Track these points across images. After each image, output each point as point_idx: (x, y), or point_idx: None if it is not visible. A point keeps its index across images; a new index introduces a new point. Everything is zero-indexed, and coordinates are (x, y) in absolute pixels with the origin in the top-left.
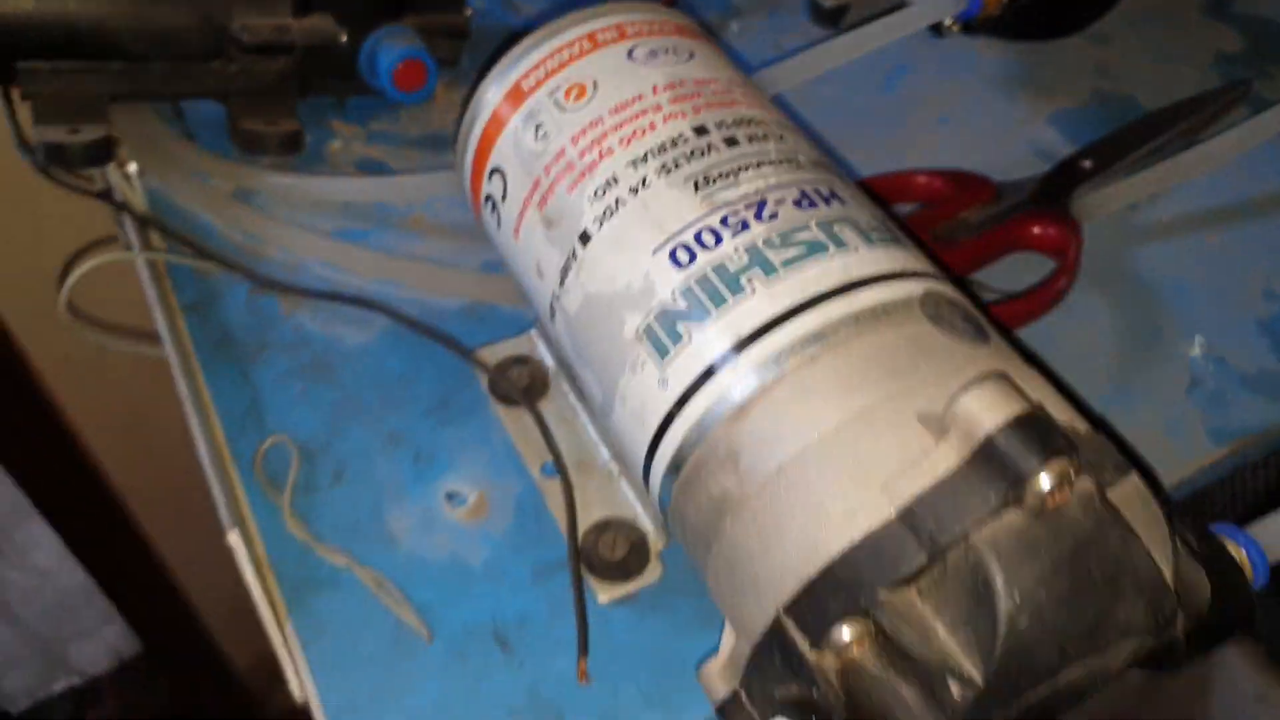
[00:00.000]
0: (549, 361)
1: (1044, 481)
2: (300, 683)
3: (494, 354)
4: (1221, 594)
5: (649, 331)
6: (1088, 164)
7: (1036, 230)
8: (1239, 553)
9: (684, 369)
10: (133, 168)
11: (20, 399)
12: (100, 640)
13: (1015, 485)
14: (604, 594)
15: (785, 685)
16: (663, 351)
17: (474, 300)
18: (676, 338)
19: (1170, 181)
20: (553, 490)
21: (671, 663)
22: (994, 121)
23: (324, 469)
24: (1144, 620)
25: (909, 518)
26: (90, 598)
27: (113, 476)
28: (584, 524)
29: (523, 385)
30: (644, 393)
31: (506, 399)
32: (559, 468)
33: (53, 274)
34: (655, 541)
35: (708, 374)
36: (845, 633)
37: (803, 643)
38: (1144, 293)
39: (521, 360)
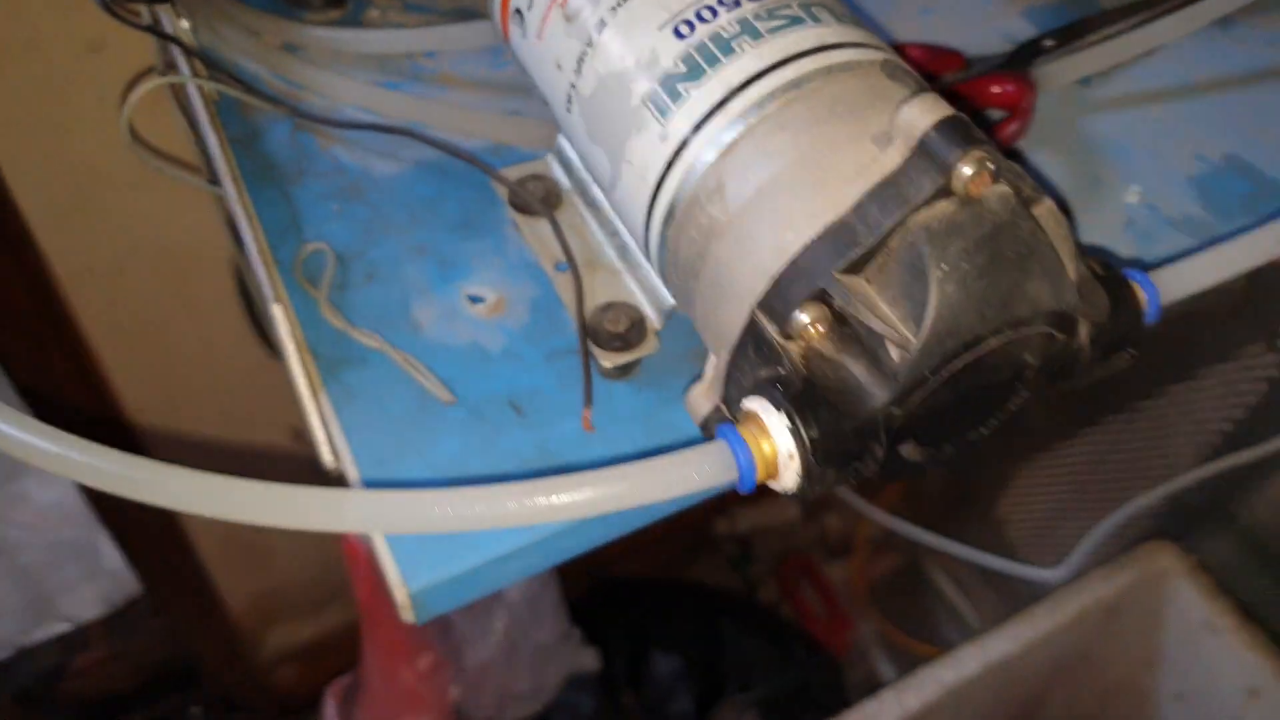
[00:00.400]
0: (563, 181)
1: (965, 169)
2: (332, 446)
3: (514, 172)
4: (1119, 313)
5: (653, 95)
6: (1049, 43)
7: (995, 89)
8: (1138, 290)
9: (682, 122)
10: (185, 24)
11: (40, 318)
12: (93, 586)
13: (943, 173)
14: (607, 360)
15: (758, 371)
16: (664, 111)
17: (495, 142)
18: (676, 96)
19: (1121, 56)
20: (564, 283)
21: (663, 426)
22: (971, 14)
23: (357, 272)
24: (1050, 300)
25: (859, 211)
26: (87, 541)
27: (123, 401)
28: (590, 307)
29: (539, 198)
30: (646, 150)
31: (525, 209)
32: (570, 263)
33: (77, 181)
34: (653, 322)
35: (702, 123)
36: (805, 315)
37: (771, 329)
38: (1091, 152)
39: (538, 178)
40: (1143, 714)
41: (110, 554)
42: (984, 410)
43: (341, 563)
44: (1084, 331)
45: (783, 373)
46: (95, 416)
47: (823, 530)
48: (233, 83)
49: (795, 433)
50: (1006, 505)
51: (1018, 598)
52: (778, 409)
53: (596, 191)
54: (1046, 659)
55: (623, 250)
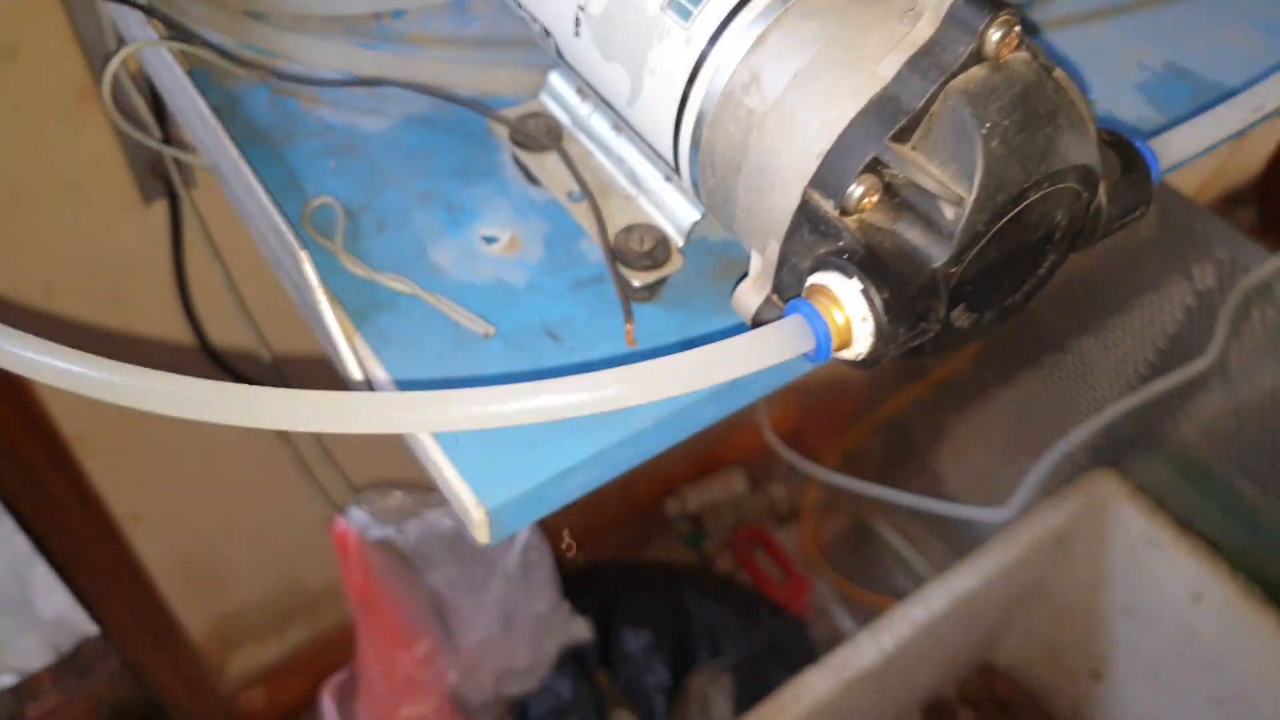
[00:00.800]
0: (561, 117)
1: (994, 33)
2: (373, 390)
3: (510, 114)
4: (1130, 173)
5: (671, 2)
6: None
7: None
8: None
9: (706, 23)
10: None
11: None
12: (34, 636)
13: (974, 38)
14: (637, 279)
15: (815, 250)
16: (685, 14)
17: (479, 92)
18: (696, 1)
19: None
20: (580, 212)
21: (695, 343)
22: None
23: (366, 222)
24: (1079, 154)
25: (900, 81)
26: (19, 594)
27: (65, 434)
28: (612, 231)
29: (543, 133)
30: (671, 56)
31: (529, 145)
32: (585, 189)
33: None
34: (675, 240)
35: (727, 21)
36: (859, 188)
37: (827, 206)
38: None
39: (536, 115)
40: (1095, 631)
41: (49, 600)
42: (1020, 274)
43: (300, 580)
44: (1103, 192)
45: (843, 246)
46: (35, 458)
47: (770, 500)
48: (205, 48)
49: (867, 295)
50: (946, 460)
51: (965, 544)
52: (848, 276)
53: (596, 123)
54: (1005, 590)
55: (632, 176)
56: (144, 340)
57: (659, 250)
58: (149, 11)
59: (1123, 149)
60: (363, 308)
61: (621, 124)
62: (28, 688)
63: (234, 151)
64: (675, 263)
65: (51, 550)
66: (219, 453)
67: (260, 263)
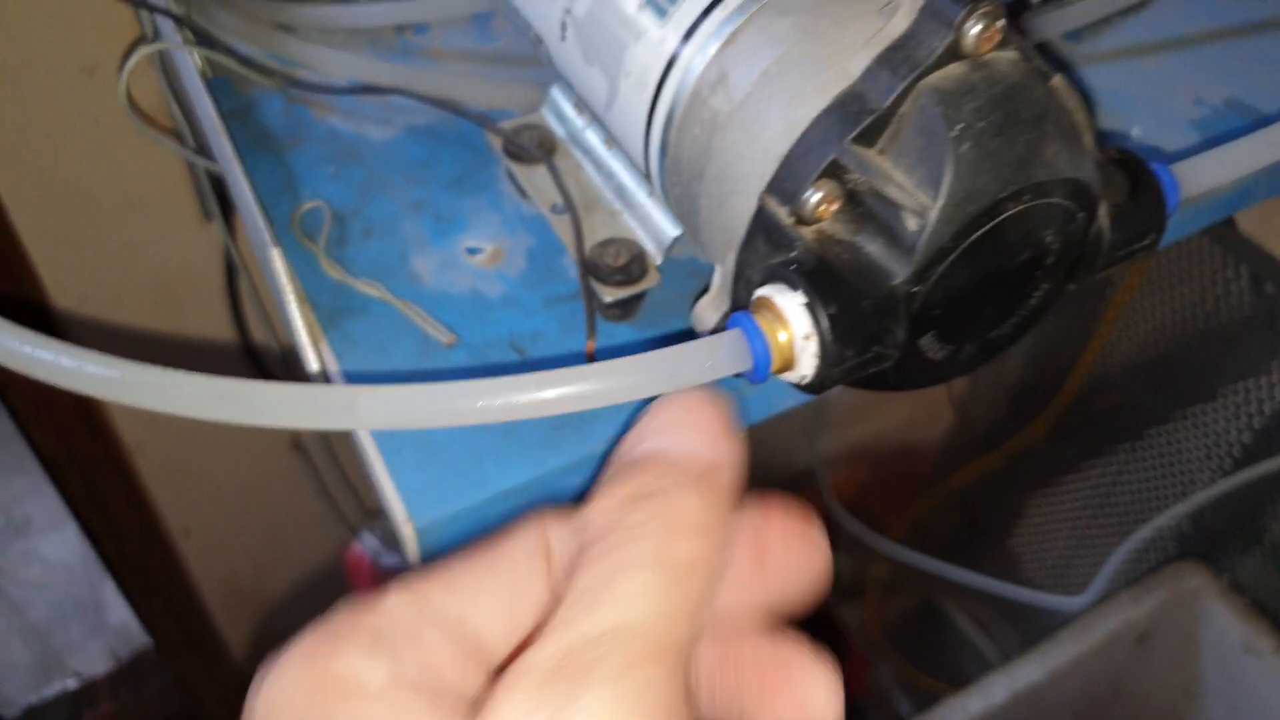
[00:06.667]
0: (558, 130)
1: (973, 26)
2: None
3: (508, 125)
4: (1139, 194)
5: (649, 1)
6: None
7: None
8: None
9: (680, 21)
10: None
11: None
12: (100, 642)
13: (951, 31)
14: (609, 295)
15: (768, 261)
16: (661, 14)
17: (486, 108)
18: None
19: (1110, 9)
20: (562, 225)
21: None
22: None
23: (354, 228)
24: (1068, 167)
25: (868, 78)
26: (92, 597)
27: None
28: (589, 244)
29: (534, 145)
30: (645, 56)
31: (521, 156)
32: (567, 202)
33: (72, 206)
34: (653, 256)
35: (700, 19)
36: (816, 194)
37: (782, 213)
38: (1089, 99)
39: (532, 127)
40: None
41: (116, 608)
42: (1005, 303)
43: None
44: (1104, 214)
45: (794, 257)
46: (102, 484)
47: (834, 573)
48: (224, 53)
49: (811, 310)
50: (1020, 539)
51: (1040, 633)
52: (793, 288)
53: (590, 136)
54: (1076, 688)
55: (620, 191)
56: (196, 344)
57: (634, 266)
58: (172, 15)
59: (1134, 169)
60: (335, 311)
61: (612, 136)
62: (87, 694)
63: (229, 149)
64: (651, 279)
65: (111, 559)
66: (259, 468)
67: None
